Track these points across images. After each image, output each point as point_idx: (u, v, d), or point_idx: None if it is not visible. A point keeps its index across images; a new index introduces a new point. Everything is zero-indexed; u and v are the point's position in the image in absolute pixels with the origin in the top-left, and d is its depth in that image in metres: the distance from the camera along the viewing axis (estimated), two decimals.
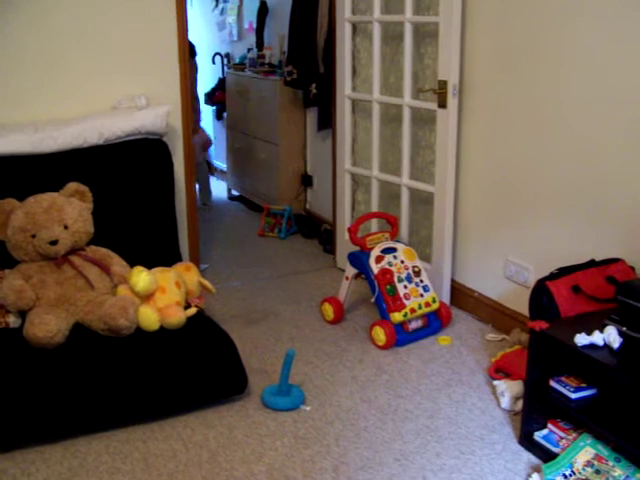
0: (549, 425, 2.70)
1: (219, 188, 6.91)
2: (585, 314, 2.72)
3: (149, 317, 3.00)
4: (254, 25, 6.47)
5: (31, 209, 3.08)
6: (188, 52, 3.95)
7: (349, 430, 2.86)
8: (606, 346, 2.43)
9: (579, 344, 2.43)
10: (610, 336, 2.43)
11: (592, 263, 2.95)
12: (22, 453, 2.69)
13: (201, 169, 6.23)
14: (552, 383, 2.60)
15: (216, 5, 7.42)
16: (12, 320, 3.01)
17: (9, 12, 3.45)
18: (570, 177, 3.22)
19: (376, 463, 2.65)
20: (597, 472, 2.43)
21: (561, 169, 3.26)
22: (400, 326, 3.55)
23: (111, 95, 3.71)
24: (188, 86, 3.99)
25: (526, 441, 2.72)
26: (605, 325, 2.50)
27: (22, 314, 2.99)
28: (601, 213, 3.09)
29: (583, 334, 2.45)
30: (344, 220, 4.56)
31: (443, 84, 3.66)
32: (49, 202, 3.11)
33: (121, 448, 2.74)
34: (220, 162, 7.40)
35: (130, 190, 3.50)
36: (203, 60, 7.44)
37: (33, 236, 3.04)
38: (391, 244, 3.70)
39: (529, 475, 2.54)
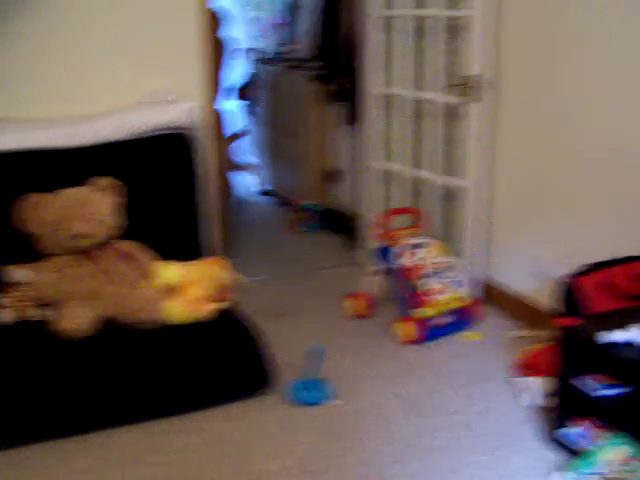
0: (576, 423, 2.68)
1: (249, 183, 6.93)
2: (616, 311, 2.70)
3: (178, 311, 3.03)
4: (284, 20, 6.47)
5: (59, 203, 3.10)
6: (213, 45, 3.95)
7: (379, 425, 2.87)
8: (637, 344, 2.41)
9: (609, 341, 2.41)
10: None
11: (624, 259, 2.92)
12: (50, 444, 2.71)
13: None
14: (580, 380, 2.58)
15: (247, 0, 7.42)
16: (43, 312, 3.05)
17: (34, 9, 3.48)
18: (603, 173, 3.20)
19: (406, 458, 2.65)
20: (626, 471, 2.41)
21: (594, 164, 3.24)
22: (430, 321, 3.55)
23: (137, 90, 3.72)
24: (213, 81, 4.00)
25: (553, 439, 2.71)
26: (636, 322, 2.48)
27: (53, 307, 3.03)
28: (634, 209, 3.07)
29: (613, 331, 2.43)
30: (371, 215, 4.56)
31: (475, 78, 3.64)
32: (78, 196, 3.14)
33: (150, 440, 2.77)
34: (250, 157, 7.41)
35: (157, 184, 3.51)
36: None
37: (61, 230, 3.07)
38: (420, 239, 3.69)
39: (555, 473, 2.53)
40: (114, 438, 2.78)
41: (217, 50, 6.14)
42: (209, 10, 3.91)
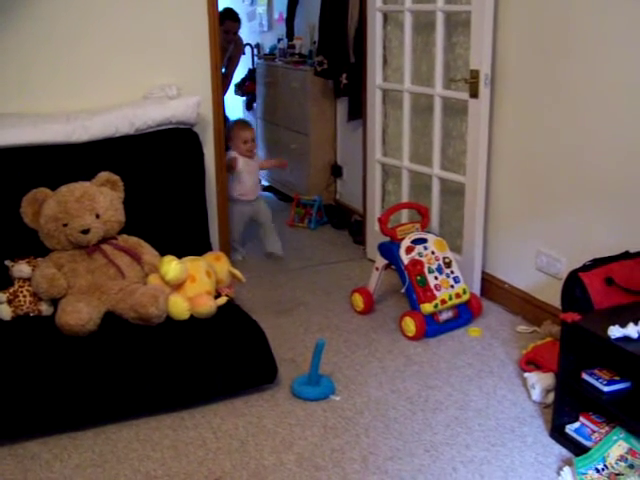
0: (581, 418, 2.67)
1: None
2: (619, 306, 2.69)
3: (179, 306, 3.02)
4: (284, 15, 6.46)
5: (63, 198, 3.10)
6: (220, 37, 3.95)
7: (378, 420, 2.86)
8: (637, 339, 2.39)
9: (612, 336, 2.40)
10: None
11: (626, 255, 2.91)
12: (55, 438, 2.72)
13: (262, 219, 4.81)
14: (584, 376, 2.57)
15: None
16: (44, 308, 3.05)
17: (38, 1, 3.47)
18: (603, 167, 3.17)
19: (405, 454, 2.64)
20: (631, 466, 2.40)
21: (594, 159, 3.22)
22: (430, 317, 3.53)
23: (142, 85, 3.72)
24: (220, 76, 3.99)
25: (557, 434, 2.69)
26: (637, 318, 2.46)
27: (54, 302, 3.03)
28: (636, 204, 3.04)
29: (617, 326, 2.41)
30: (374, 211, 4.55)
31: (475, 74, 3.62)
32: (81, 191, 3.14)
33: (151, 435, 2.76)
34: None
35: (161, 180, 3.51)
36: None
37: (65, 225, 3.07)
38: (422, 235, 3.68)
39: (560, 468, 2.51)
40: (112, 434, 2.77)
41: (236, 48, 6.16)
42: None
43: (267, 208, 4.80)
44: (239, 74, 7.22)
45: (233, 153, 4.54)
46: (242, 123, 4.79)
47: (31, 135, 3.28)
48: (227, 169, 4.31)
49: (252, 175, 4.63)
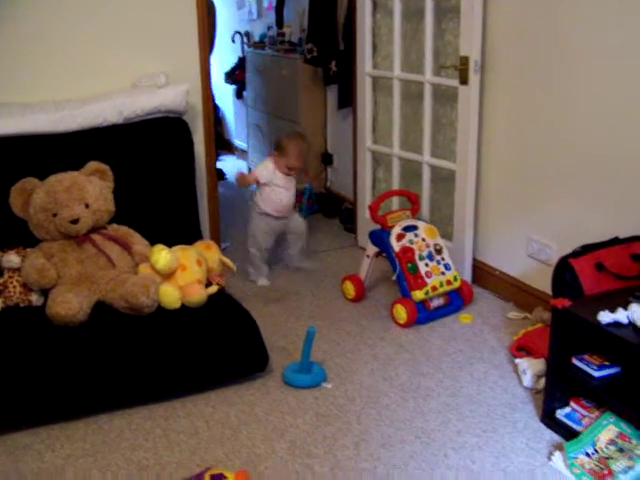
0: (572, 403, 2.68)
1: (239, 167, 6.89)
2: (609, 292, 2.69)
3: (170, 295, 3.01)
4: (274, 3, 6.42)
5: (52, 188, 3.09)
6: (207, 27, 3.93)
7: (370, 408, 2.86)
8: (630, 324, 2.40)
9: (602, 322, 2.41)
10: (634, 314, 2.40)
11: (616, 241, 2.91)
12: (46, 429, 2.72)
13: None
14: (575, 361, 2.58)
15: None
16: (35, 298, 3.03)
17: None
18: (593, 154, 3.18)
19: (397, 440, 2.65)
20: (620, 450, 2.41)
21: (584, 146, 3.22)
22: (421, 304, 3.54)
23: (131, 73, 3.70)
24: (208, 64, 3.98)
25: (548, 419, 2.70)
26: (629, 303, 2.47)
27: (44, 292, 3.02)
28: (625, 190, 3.05)
29: (607, 312, 2.42)
30: (365, 198, 4.55)
31: (465, 60, 3.61)
32: (70, 181, 3.12)
33: (143, 425, 2.76)
34: (240, 141, 7.39)
35: (150, 169, 3.50)
36: (222, 39, 7.41)
37: (54, 215, 3.06)
38: (412, 222, 3.68)
39: (551, 453, 2.53)
40: (104, 423, 2.77)
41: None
42: None
43: (303, 221, 4.25)
44: (229, 63, 7.19)
45: (266, 167, 4.03)
46: (300, 139, 4.12)
47: (19, 124, 3.27)
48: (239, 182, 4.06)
49: (289, 191, 4.06)
